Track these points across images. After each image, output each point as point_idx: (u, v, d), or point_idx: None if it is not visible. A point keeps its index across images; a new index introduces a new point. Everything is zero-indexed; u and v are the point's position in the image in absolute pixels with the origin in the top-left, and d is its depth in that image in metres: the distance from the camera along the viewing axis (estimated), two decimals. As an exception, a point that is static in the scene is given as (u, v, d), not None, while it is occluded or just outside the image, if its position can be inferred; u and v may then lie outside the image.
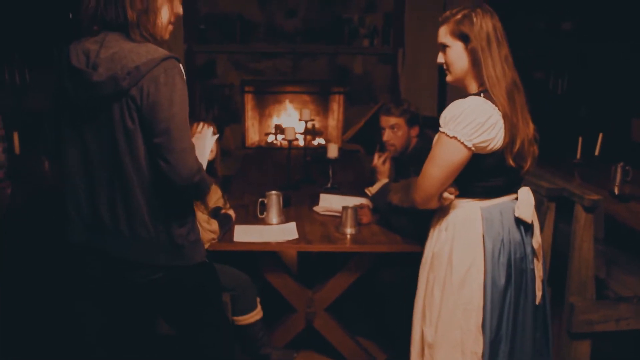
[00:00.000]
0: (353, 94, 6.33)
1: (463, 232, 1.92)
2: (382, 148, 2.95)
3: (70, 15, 6.12)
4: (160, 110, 1.60)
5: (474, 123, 1.78)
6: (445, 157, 1.84)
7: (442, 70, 2.00)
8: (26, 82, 6.08)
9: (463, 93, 1.98)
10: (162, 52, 1.63)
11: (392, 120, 2.86)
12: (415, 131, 2.90)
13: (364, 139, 5.82)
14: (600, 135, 3.97)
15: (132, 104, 1.60)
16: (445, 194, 1.92)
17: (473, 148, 1.80)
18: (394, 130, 2.87)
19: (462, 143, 1.79)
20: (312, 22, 6.19)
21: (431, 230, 2.06)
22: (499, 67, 1.84)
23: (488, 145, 1.82)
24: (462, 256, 1.91)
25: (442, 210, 2.00)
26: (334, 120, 6.45)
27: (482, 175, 1.90)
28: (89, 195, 1.72)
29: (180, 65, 1.66)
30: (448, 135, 1.81)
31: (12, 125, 3.81)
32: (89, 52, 1.64)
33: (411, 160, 2.76)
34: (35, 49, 6.03)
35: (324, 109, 6.51)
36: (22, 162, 4.00)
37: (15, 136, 4.23)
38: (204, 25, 6.05)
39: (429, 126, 3.09)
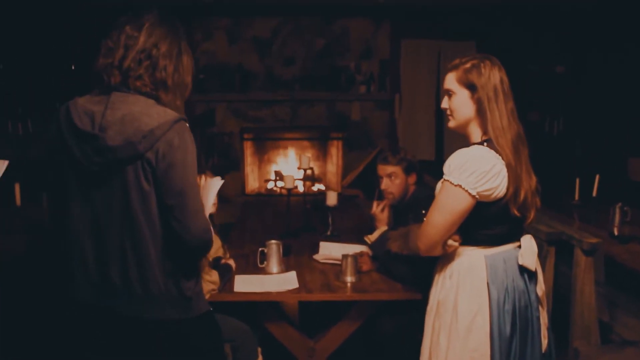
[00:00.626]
0: (351, 139, 6.40)
1: (468, 279, 1.93)
2: (381, 194, 2.97)
3: (73, 67, 6.26)
4: (175, 173, 1.61)
5: (478, 171, 1.81)
6: (449, 205, 1.86)
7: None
8: (29, 133, 6.17)
9: (461, 137, 2.02)
10: (172, 113, 1.63)
11: (390, 169, 2.89)
12: (412, 179, 2.92)
13: (363, 183, 5.86)
14: (597, 177, 4.01)
15: (147, 166, 1.60)
16: (450, 242, 1.93)
17: (477, 196, 1.83)
18: (392, 179, 2.89)
19: (467, 191, 1.81)
20: (310, 70, 6.32)
21: (435, 277, 2.06)
22: (505, 119, 1.88)
23: (492, 194, 1.84)
24: (467, 304, 1.91)
25: (446, 258, 2.00)
26: (333, 165, 6.50)
27: (486, 223, 1.92)
28: (97, 256, 1.69)
29: (187, 125, 1.68)
30: (452, 183, 1.84)
31: (14, 177, 3.85)
32: (93, 114, 1.62)
33: (409, 208, 2.78)
34: (37, 101, 6.14)
35: (322, 154, 6.57)
36: (22, 213, 4.02)
37: (17, 187, 4.27)
38: (203, 75, 6.16)
39: (427, 170, 3.12)
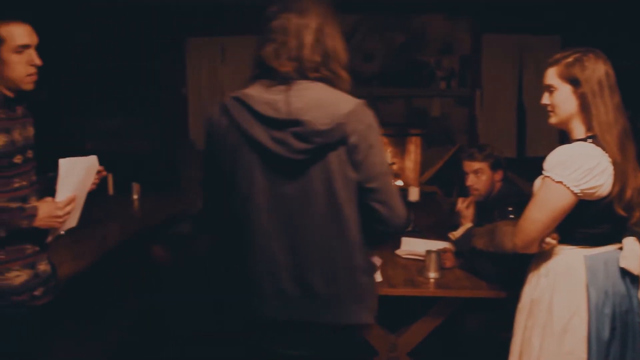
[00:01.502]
0: (430, 135, 6.34)
1: (565, 280, 1.88)
2: (460, 190, 2.95)
3: (158, 65, 6.54)
4: (375, 154, 1.53)
5: (582, 169, 1.76)
6: (550, 202, 1.82)
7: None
8: (118, 128, 6.52)
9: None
10: (353, 97, 1.56)
11: (476, 165, 2.86)
12: (499, 175, 2.88)
13: (441, 180, 5.80)
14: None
15: (351, 150, 1.50)
16: (548, 239, 1.89)
17: (580, 194, 1.78)
18: (478, 175, 2.86)
19: (569, 188, 1.77)
20: (389, 66, 6.30)
21: (529, 275, 2.03)
22: (611, 114, 1.81)
23: (596, 192, 1.79)
24: (564, 305, 1.87)
25: (542, 256, 1.96)
26: (411, 162, 6.46)
27: (587, 222, 1.87)
28: (293, 262, 1.53)
29: None
30: (554, 180, 1.79)
31: (108, 168, 4.07)
32: (275, 102, 1.50)
33: (495, 205, 2.74)
34: (125, 98, 6.46)
35: (401, 151, 6.53)
36: (113, 202, 4.26)
37: (110, 178, 4.52)
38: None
39: (509, 168, 3.06)
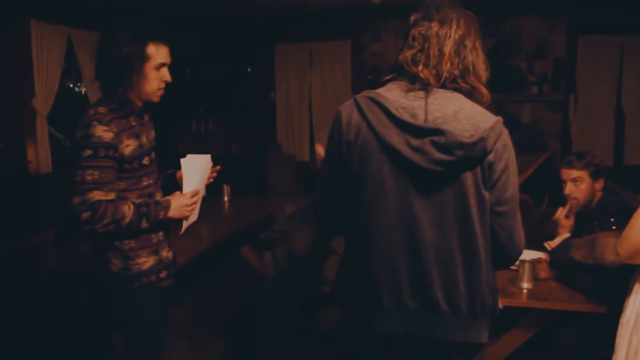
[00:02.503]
0: (521, 141, 6.15)
1: None
2: (551, 198, 2.83)
3: (249, 70, 6.74)
4: (509, 175, 1.46)
5: None
6: None
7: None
8: (208, 131, 6.76)
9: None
10: (489, 112, 1.50)
11: (575, 173, 2.73)
12: (599, 184, 2.74)
13: (532, 188, 5.62)
14: None
15: (487, 168, 1.43)
16: None
17: None
18: (576, 184, 2.73)
19: None
20: (479, 70, 6.16)
21: (635, 287, 1.95)
22: None
23: None
24: None
25: None
26: (500, 168, 6.29)
27: None
28: (415, 275, 1.48)
29: None
30: None
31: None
32: (413, 108, 1.45)
33: (596, 215, 2.62)
34: (215, 103, 6.70)
35: (490, 157, 6.39)
36: (205, 203, 4.40)
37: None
38: (371, 76, 6.29)
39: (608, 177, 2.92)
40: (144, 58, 1.98)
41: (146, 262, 2.10)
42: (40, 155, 4.92)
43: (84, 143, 1.90)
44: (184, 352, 3.34)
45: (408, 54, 1.51)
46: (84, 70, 5.47)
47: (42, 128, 4.92)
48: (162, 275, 2.16)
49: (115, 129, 1.94)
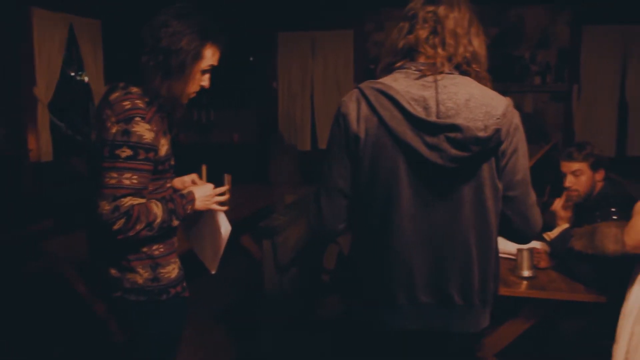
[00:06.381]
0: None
1: None
2: (553, 189, 2.82)
3: (251, 59, 6.71)
4: (519, 158, 1.44)
5: None
6: None
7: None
8: (210, 121, 6.74)
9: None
10: (499, 95, 1.47)
11: (575, 165, 2.71)
12: (600, 175, 2.72)
13: (533, 178, 5.59)
14: None
15: (500, 156, 1.41)
16: None
17: None
18: (577, 176, 2.71)
19: None
20: (482, 60, 6.13)
21: (638, 278, 1.94)
22: None
23: None
24: None
25: None
26: (502, 159, 6.28)
27: None
28: (430, 271, 1.45)
29: None
30: None
31: (198, 158, 4.22)
32: (425, 100, 1.40)
33: (596, 206, 2.61)
34: (217, 92, 6.67)
35: (491, 147, 6.37)
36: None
37: (204, 169, 4.68)
38: (373, 65, 6.26)
39: (608, 167, 2.90)
40: (199, 57, 1.77)
41: (173, 269, 1.85)
42: (41, 143, 4.92)
43: (122, 141, 1.63)
44: (186, 340, 3.35)
45: (421, 33, 1.46)
46: (85, 59, 5.47)
47: (43, 116, 4.92)
48: (185, 284, 1.91)
49: (155, 128, 1.69)
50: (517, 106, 4.87)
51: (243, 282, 4.23)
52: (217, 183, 4.59)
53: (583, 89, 6.00)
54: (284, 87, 6.69)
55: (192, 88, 1.83)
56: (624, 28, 5.85)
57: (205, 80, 1.86)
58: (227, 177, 4.61)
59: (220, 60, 1.89)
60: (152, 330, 1.84)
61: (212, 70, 1.87)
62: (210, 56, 1.81)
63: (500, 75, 6.03)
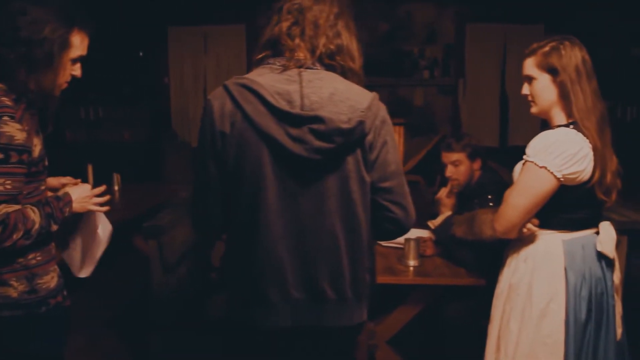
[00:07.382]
0: (413, 125, 6.33)
1: (544, 264, 1.90)
2: (442, 180, 2.94)
3: (140, 54, 6.48)
4: (389, 150, 1.46)
5: (565, 154, 1.77)
6: (532, 187, 1.83)
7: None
8: (99, 118, 6.44)
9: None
10: (365, 90, 1.48)
11: (454, 156, 2.85)
12: (477, 164, 2.88)
13: (423, 170, 5.81)
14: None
15: (367, 149, 1.43)
16: (529, 225, 1.90)
17: (562, 179, 1.79)
18: (456, 166, 2.86)
19: (552, 173, 1.78)
20: (373, 55, 6.26)
21: (508, 260, 2.03)
22: (589, 100, 1.83)
23: (577, 177, 1.81)
24: (543, 289, 1.88)
25: (521, 241, 1.97)
26: (395, 151, 6.46)
27: (567, 207, 1.88)
28: (300, 266, 1.45)
29: None
30: (537, 165, 1.80)
31: (86, 157, 4.02)
32: (288, 94, 1.39)
33: (475, 193, 2.74)
34: (105, 88, 6.39)
35: (384, 140, 6.54)
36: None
37: (90, 169, 4.46)
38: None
39: (491, 156, 3.07)
40: (66, 46, 1.62)
41: (52, 278, 1.69)
42: None
43: None
44: (77, 351, 3.18)
45: (284, 25, 1.46)
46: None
47: None
48: (65, 292, 1.76)
49: (26, 127, 1.54)
50: (408, 100, 5.02)
51: (134, 284, 4.08)
52: (107, 183, 4.39)
53: (468, 83, 6.31)
54: (176, 82, 6.51)
55: (63, 78, 1.69)
56: (505, 26, 6.21)
57: (76, 70, 1.72)
58: (116, 177, 4.43)
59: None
60: (32, 348, 1.67)
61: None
62: (78, 44, 1.68)
63: (391, 69, 6.21)
